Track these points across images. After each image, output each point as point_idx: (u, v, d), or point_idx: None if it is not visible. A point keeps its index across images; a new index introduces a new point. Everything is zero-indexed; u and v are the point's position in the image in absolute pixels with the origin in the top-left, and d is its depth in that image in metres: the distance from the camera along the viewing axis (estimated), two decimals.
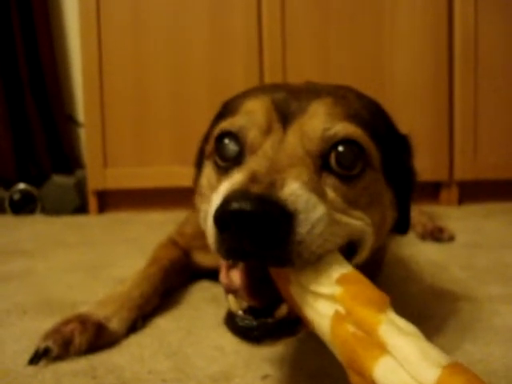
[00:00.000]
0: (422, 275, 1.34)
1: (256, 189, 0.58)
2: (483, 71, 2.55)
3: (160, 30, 2.54)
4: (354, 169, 0.72)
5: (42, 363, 0.84)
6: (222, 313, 0.70)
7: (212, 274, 1.19)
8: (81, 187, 2.64)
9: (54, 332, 0.87)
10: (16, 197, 2.67)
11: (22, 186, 2.70)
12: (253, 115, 0.75)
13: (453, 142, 2.58)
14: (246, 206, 0.55)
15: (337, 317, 0.56)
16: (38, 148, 2.87)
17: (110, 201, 2.66)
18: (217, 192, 0.67)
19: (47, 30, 2.92)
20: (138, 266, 1.18)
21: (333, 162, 0.71)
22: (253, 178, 0.61)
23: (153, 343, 0.92)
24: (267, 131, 0.73)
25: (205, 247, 1.20)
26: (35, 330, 0.96)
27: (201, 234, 0.81)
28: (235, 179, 0.64)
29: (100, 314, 0.94)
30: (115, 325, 0.94)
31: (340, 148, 0.71)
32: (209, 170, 0.82)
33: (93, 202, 2.60)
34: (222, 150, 0.77)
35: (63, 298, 1.20)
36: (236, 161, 0.75)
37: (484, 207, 2.49)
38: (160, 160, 2.56)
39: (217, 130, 0.80)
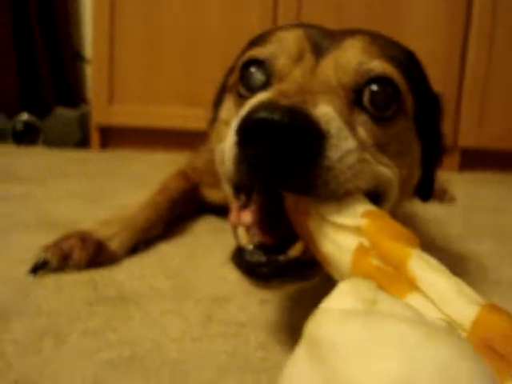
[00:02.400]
0: (423, 230, 1.36)
1: (286, 102, 0.53)
2: (499, 41, 2.50)
3: None
4: (388, 110, 0.68)
5: (42, 273, 0.85)
6: (224, 244, 0.67)
7: (219, 210, 1.21)
8: (84, 121, 2.61)
9: (54, 246, 0.89)
10: (19, 127, 2.64)
11: (25, 116, 2.67)
12: (283, 42, 0.71)
13: (460, 108, 2.55)
14: (276, 115, 0.50)
15: (360, 250, 0.52)
16: (42, 80, 2.82)
17: (113, 137, 2.64)
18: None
19: None
20: (141, 198, 1.17)
21: (366, 100, 0.67)
22: (282, 94, 0.57)
23: (154, 264, 0.94)
24: (298, 59, 0.69)
25: (215, 184, 1.20)
26: (38, 243, 0.96)
27: (212, 170, 0.79)
28: (262, 95, 0.60)
29: (101, 232, 0.95)
30: (116, 245, 0.95)
31: (374, 86, 0.67)
32: (230, 103, 0.78)
33: (95, 137, 2.58)
34: (247, 78, 0.73)
35: (64, 217, 1.21)
36: (261, 91, 0.69)
37: (485, 175, 2.49)
38: (168, 99, 2.53)
39: (243, 58, 0.76)
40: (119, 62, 2.51)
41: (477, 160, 2.63)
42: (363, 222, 0.53)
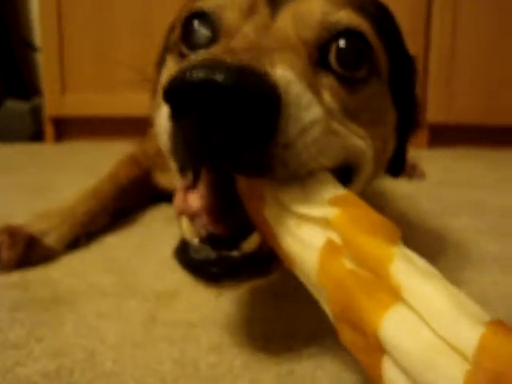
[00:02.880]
0: (394, 207, 1.28)
1: (232, 59, 0.41)
2: (463, 12, 2.44)
3: None
4: (358, 71, 0.58)
5: None
6: (178, 234, 0.55)
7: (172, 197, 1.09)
8: (37, 114, 2.47)
9: None
10: None
11: None
12: None
13: (427, 83, 2.49)
14: (218, 75, 0.38)
15: (329, 248, 0.41)
16: None
17: (68, 129, 2.50)
18: None
19: None
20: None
21: (332, 58, 0.56)
22: (228, 51, 0.45)
23: (96, 259, 0.83)
24: (250, 13, 0.58)
25: (167, 167, 1.09)
26: None
27: (163, 153, 0.66)
28: (201, 54, 0.48)
29: (35, 226, 0.83)
30: (52, 240, 0.83)
31: (342, 42, 0.56)
32: (171, 64, 0.67)
33: (49, 130, 2.44)
34: (189, 35, 0.61)
35: (1, 214, 1.09)
36: (206, 49, 0.58)
37: (455, 151, 2.43)
38: (122, 87, 2.40)
39: (185, 11, 0.64)
40: (69, 50, 2.39)
41: (446, 136, 2.57)
42: (332, 212, 0.42)
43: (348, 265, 0.39)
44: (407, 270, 0.37)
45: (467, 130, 2.57)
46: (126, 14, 2.38)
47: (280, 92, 0.42)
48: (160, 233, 0.98)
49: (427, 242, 0.97)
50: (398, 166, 0.79)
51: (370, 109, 0.60)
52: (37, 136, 2.47)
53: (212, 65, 0.39)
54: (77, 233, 0.88)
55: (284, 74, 0.45)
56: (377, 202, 1.29)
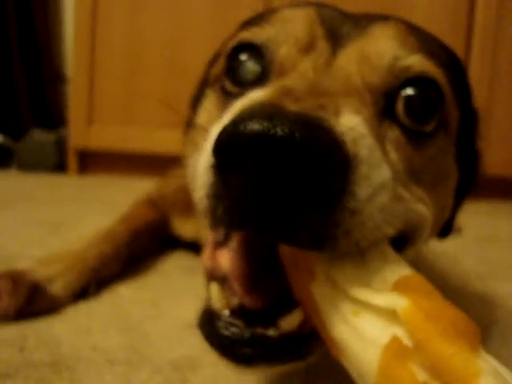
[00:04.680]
0: (436, 267, 1.17)
1: (294, 107, 0.35)
2: (501, 68, 2.36)
3: None
4: (427, 124, 0.50)
5: None
6: (199, 287, 0.47)
7: (192, 246, 1.00)
8: (61, 145, 2.44)
9: None
10: None
11: None
12: (289, 24, 0.52)
13: None
14: (280, 127, 0.32)
15: (395, 348, 0.33)
16: (19, 100, 2.67)
17: (91, 161, 2.45)
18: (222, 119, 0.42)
19: None
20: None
21: (400, 108, 0.48)
22: (288, 94, 0.38)
23: (106, 314, 0.74)
24: (308, 49, 0.50)
25: (187, 215, 1.00)
26: None
27: (184, 199, 0.58)
28: (257, 94, 0.41)
29: (41, 273, 0.75)
30: (58, 288, 0.75)
31: (412, 90, 0.49)
32: (211, 102, 0.59)
33: (73, 161, 2.40)
34: (236, 69, 0.54)
35: (15, 250, 1.02)
36: (254, 87, 0.50)
37: (492, 204, 2.30)
38: (149, 122, 2.36)
39: (232, 42, 0.57)
40: (99, 83, 2.37)
41: (481, 189, 2.45)
42: (401, 303, 0.34)
43: (420, 375, 0.31)
44: None
45: (501, 182, 2.46)
46: (157, 48, 2.36)
47: (350, 148, 0.35)
48: (179, 285, 0.88)
49: (475, 309, 0.86)
50: (446, 227, 0.70)
51: (434, 168, 0.52)
52: (60, 167, 2.43)
53: (271, 115, 0.33)
54: (86, 280, 0.79)
55: (353, 123, 0.37)
56: (418, 261, 1.19)
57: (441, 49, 0.57)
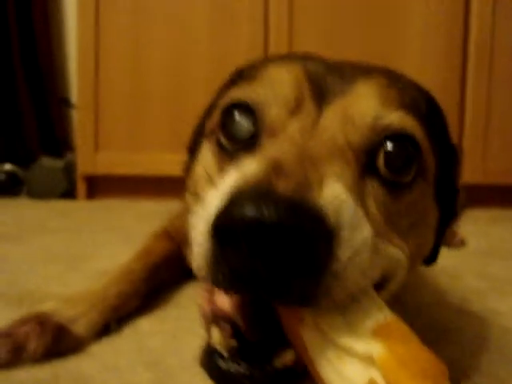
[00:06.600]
0: (435, 283, 1.22)
1: (284, 187, 0.40)
2: (498, 76, 2.42)
3: (159, 9, 2.40)
4: (406, 175, 0.55)
5: None
6: None
7: None
8: (70, 171, 2.50)
9: (5, 335, 0.72)
10: (1, 178, 2.53)
11: (7, 166, 2.56)
12: (278, 86, 0.57)
13: (461, 146, 2.45)
14: (270, 214, 0.38)
15: None
16: (26, 128, 2.73)
17: (99, 186, 2.52)
18: (218, 185, 0.48)
19: (43, 7, 2.77)
20: (124, 258, 1.03)
21: (381, 162, 0.54)
22: (277, 170, 0.43)
23: (129, 349, 0.79)
24: (295, 110, 0.56)
25: None
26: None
27: None
28: (249, 168, 0.46)
29: (64, 314, 0.79)
30: (81, 328, 0.79)
31: (391, 145, 0.54)
32: (207, 154, 0.64)
33: (81, 187, 2.46)
34: (230, 126, 0.59)
35: (36, 287, 1.07)
36: (248, 144, 0.57)
37: (487, 212, 2.35)
38: (155, 146, 2.43)
39: (226, 100, 0.62)
40: (104, 109, 2.43)
41: (482, 197, 2.51)
42: (377, 349, 0.40)
43: None
44: None
45: (503, 190, 2.51)
46: (161, 76, 2.42)
47: (333, 219, 0.41)
48: (196, 317, 0.93)
49: (475, 329, 0.90)
50: (431, 256, 0.75)
51: (413, 212, 0.57)
52: (69, 193, 2.49)
53: (260, 202, 0.38)
54: (107, 319, 0.84)
55: (335, 193, 0.43)
56: (415, 280, 1.23)
57: (420, 96, 0.63)
